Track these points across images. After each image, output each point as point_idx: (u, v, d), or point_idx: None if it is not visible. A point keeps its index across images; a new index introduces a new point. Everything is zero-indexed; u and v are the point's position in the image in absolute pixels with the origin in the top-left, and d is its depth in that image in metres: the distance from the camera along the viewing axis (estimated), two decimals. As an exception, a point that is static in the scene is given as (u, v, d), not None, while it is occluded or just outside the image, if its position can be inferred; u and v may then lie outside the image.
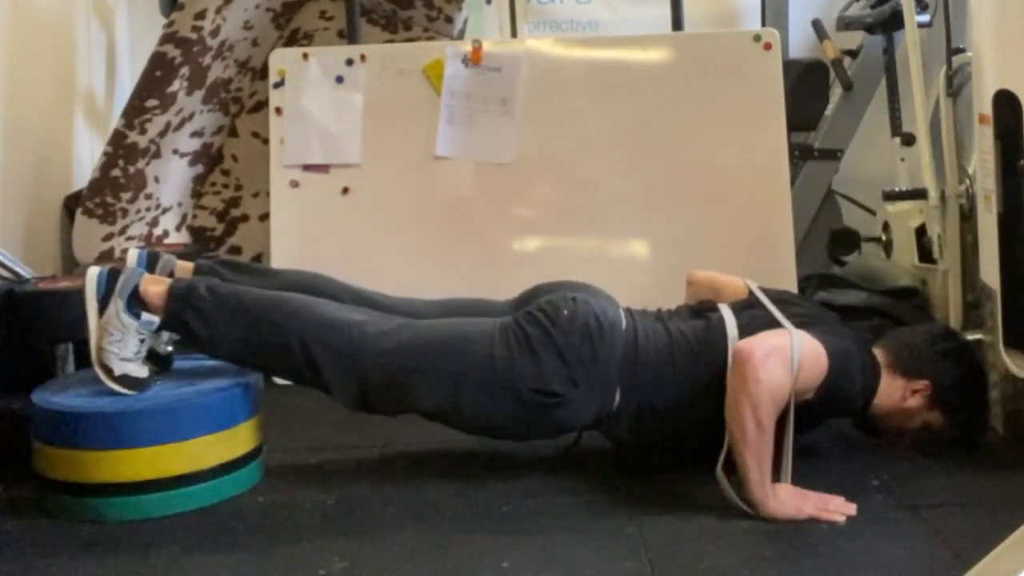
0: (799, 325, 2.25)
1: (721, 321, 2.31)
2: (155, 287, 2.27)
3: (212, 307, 2.26)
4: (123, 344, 2.25)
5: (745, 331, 2.25)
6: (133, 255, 2.43)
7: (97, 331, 2.25)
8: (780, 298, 2.42)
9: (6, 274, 2.83)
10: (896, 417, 2.35)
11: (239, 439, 2.31)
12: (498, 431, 2.32)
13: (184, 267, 2.46)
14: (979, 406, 2.44)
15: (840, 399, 2.26)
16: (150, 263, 2.42)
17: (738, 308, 2.37)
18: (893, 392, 2.33)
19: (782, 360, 2.11)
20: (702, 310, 2.39)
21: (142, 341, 2.27)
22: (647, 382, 2.26)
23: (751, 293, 2.44)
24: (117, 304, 2.24)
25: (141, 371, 2.28)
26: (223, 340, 2.28)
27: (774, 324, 2.27)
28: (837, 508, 2.08)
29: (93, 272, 2.28)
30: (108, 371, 2.25)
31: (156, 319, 2.26)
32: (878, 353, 2.37)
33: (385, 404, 2.29)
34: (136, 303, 2.25)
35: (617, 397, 2.25)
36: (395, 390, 2.25)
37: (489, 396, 2.23)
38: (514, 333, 2.25)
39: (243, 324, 2.26)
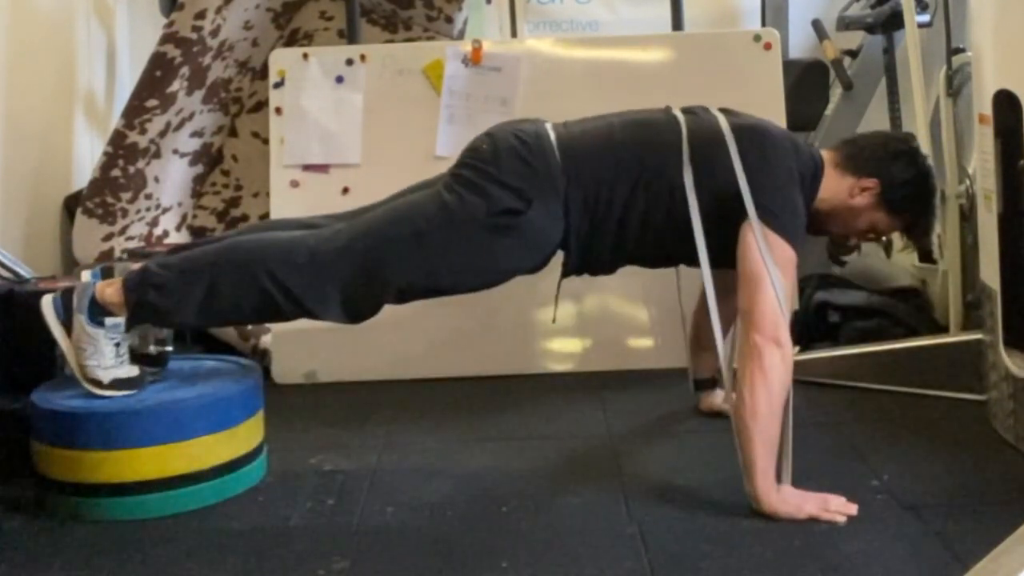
0: (739, 127, 2.29)
1: (674, 119, 2.34)
2: (110, 288, 2.25)
3: (169, 277, 2.23)
4: (99, 355, 2.24)
5: (695, 130, 2.30)
6: (86, 275, 2.40)
7: (71, 352, 2.24)
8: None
9: (6, 274, 2.83)
10: (842, 214, 2.40)
11: (239, 439, 2.31)
12: (480, 272, 2.31)
13: (138, 266, 2.45)
14: (925, 208, 2.46)
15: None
16: (105, 276, 2.39)
17: (686, 110, 2.41)
18: (841, 190, 2.38)
19: (776, 318, 2.12)
20: (651, 110, 2.43)
21: (117, 345, 2.25)
22: (588, 178, 2.27)
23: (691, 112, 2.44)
24: (79, 319, 2.23)
25: (130, 371, 2.27)
26: (192, 302, 2.22)
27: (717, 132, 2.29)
28: (837, 508, 2.08)
29: (47, 300, 2.26)
30: (97, 383, 2.24)
31: (121, 320, 2.24)
32: (829, 154, 2.42)
33: (368, 300, 2.26)
34: (97, 311, 2.23)
35: (572, 202, 2.27)
36: (369, 280, 2.23)
37: (455, 240, 2.23)
38: (454, 181, 2.28)
39: (204, 279, 2.22)
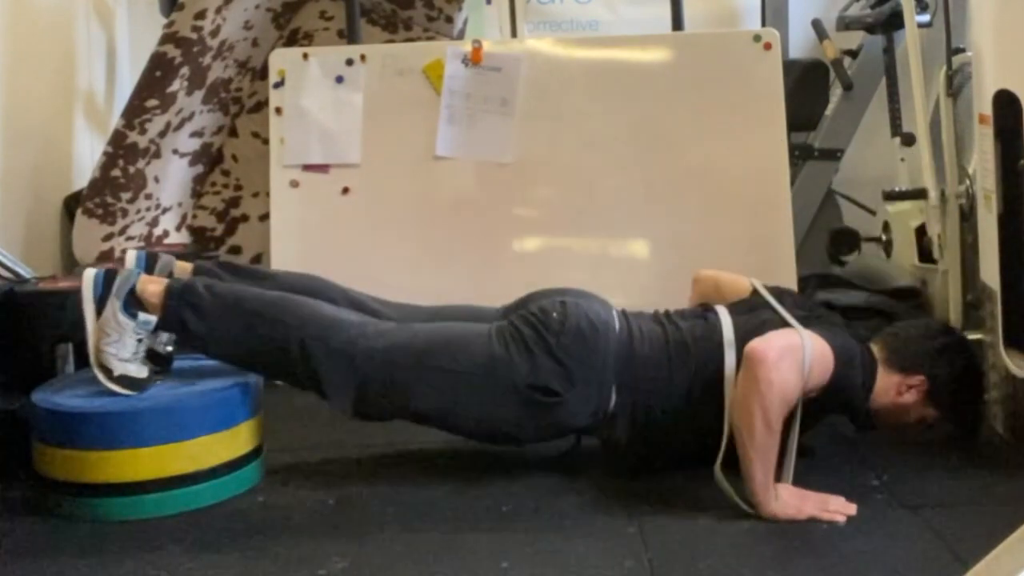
0: (802, 322, 2.25)
1: (718, 321, 2.31)
2: (152, 287, 2.27)
3: (210, 305, 2.26)
4: (121, 345, 2.25)
5: (745, 330, 2.25)
6: (131, 256, 2.42)
7: (95, 332, 2.25)
8: (780, 296, 2.42)
9: (6, 274, 2.83)
10: (892, 412, 2.35)
11: (239, 439, 2.31)
12: (496, 432, 2.32)
13: (183, 268, 2.46)
14: (975, 401, 2.44)
15: (843, 396, 2.26)
16: (149, 264, 2.42)
17: (738, 309, 2.37)
18: (889, 387, 2.33)
19: (794, 361, 2.11)
20: (700, 312, 2.39)
21: (140, 341, 2.27)
22: (643, 382, 2.26)
23: (755, 292, 2.44)
24: (114, 305, 2.24)
25: (140, 371, 2.28)
26: (221, 338, 2.27)
27: (778, 324, 2.27)
28: (837, 508, 2.08)
29: (90, 273, 2.28)
30: (107, 372, 2.25)
31: (153, 319, 2.26)
32: (874, 348, 2.37)
33: (382, 406, 2.28)
34: (133, 303, 2.25)
35: (613, 397, 2.26)
36: (392, 390, 2.25)
37: (487, 394, 2.23)
38: (510, 334, 2.26)
39: (241, 322, 2.26)
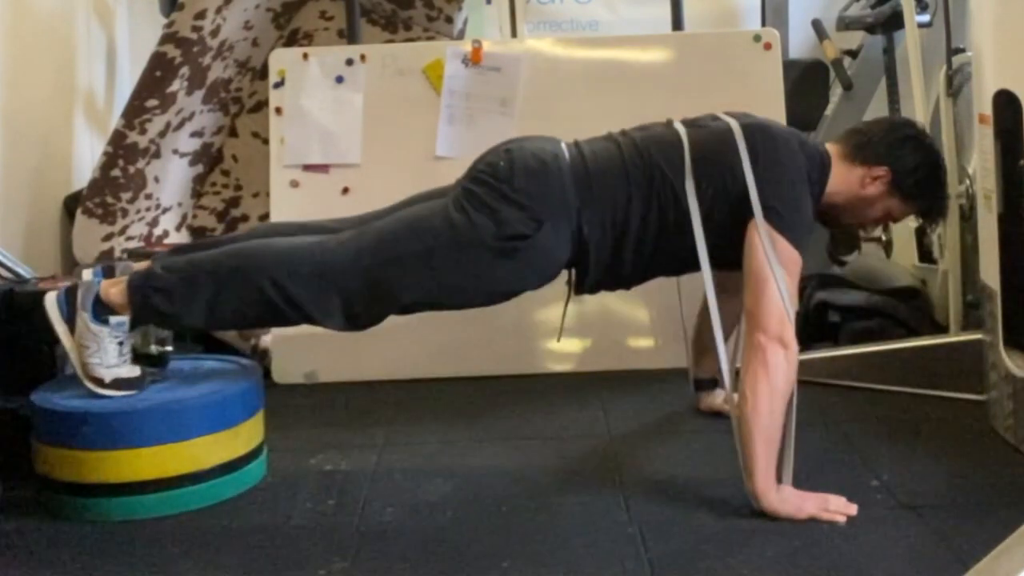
0: (748, 128, 2.30)
1: (675, 132, 2.34)
2: (115, 288, 2.25)
3: (173, 281, 2.23)
4: (103, 353, 2.24)
5: (696, 139, 2.30)
6: (87, 272, 2.40)
7: (75, 350, 2.24)
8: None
9: (6, 274, 2.83)
10: (855, 205, 2.41)
11: (239, 439, 2.31)
12: (492, 293, 2.32)
13: (141, 267, 2.45)
14: (939, 190, 2.47)
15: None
16: (106, 276, 2.39)
17: (689, 122, 2.41)
18: (852, 181, 2.38)
19: (785, 323, 2.13)
20: (653, 124, 2.43)
21: (120, 344, 2.25)
22: (605, 198, 2.27)
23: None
24: (83, 317, 2.23)
25: (132, 371, 2.27)
26: (197, 308, 2.23)
27: (725, 133, 2.30)
28: (837, 508, 2.08)
29: (51, 297, 2.26)
30: (99, 382, 2.24)
31: (125, 318, 2.24)
32: (835, 146, 2.42)
33: (374, 312, 2.26)
34: (101, 310, 2.23)
35: (583, 220, 2.27)
36: (375, 293, 2.23)
37: (464, 262, 2.23)
38: (465, 198, 2.27)
39: (209, 285, 2.22)
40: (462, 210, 2.25)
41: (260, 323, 2.39)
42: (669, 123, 2.42)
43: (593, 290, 2.41)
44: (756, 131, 2.32)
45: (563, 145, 2.37)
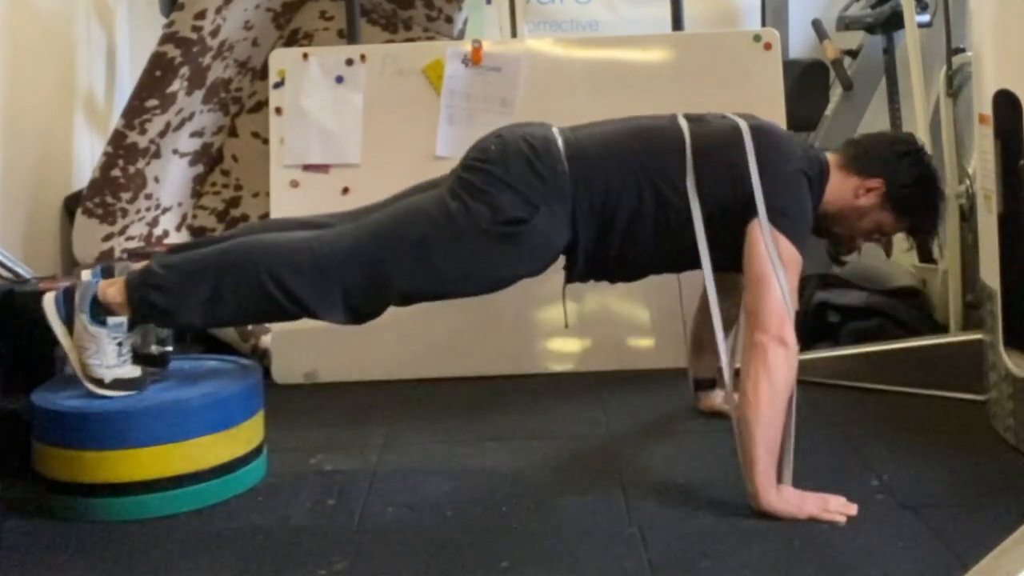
0: (754, 129, 2.31)
1: (677, 126, 2.34)
2: (112, 288, 2.25)
3: (172, 279, 2.23)
4: (102, 354, 2.23)
5: (699, 135, 2.31)
6: (86, 274, 2.40)
7: (73, 351, 2.24)
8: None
9: (6, 274, 2.83)
10: (848, 216, 2.41)
11: (239, 439, 2.31)
12: (492, 279, 2.32)
13: (140, 267, 2.44)
14: (931, 208, 2.47)
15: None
16: (106, 276, 2.39)
17: (693, 117, 2.41)
18: (846, 191, 2.39)
19: (786, 323, 2.13)
20: (655, 116, 2.43)
21: (120, 344, 2.25)
22: (595, 183, 2.27)
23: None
24: (81, 319, 2.23)
25: (132, 371, 2.27)
26: (195, 305, 2.22)
27: (731, 132, 2.31)
28: (837, 508, 2.08)
29: (49, 299, 2.26)
30: (98, 382, 2.23)
31: (123, 319, 2.24)
32: (833, 156, 2.43)
33: (375, 303, 2.26)
34: (99, 311, 2.23)
35: (578, 204, 2.27)
36: (375, 285, 2.23)
37: (463, 251, 2.23)
38: (460, 187, 2.27)
39: (207, 281, 2.22)
40: (458, 198, 2.25)
41: (259, 318, 2.38)
42: (673, 117, 2.41)
43: (583, 278, 2.41)
44: (762, 132, 2.33)
45: (555, 130, 2.37)
